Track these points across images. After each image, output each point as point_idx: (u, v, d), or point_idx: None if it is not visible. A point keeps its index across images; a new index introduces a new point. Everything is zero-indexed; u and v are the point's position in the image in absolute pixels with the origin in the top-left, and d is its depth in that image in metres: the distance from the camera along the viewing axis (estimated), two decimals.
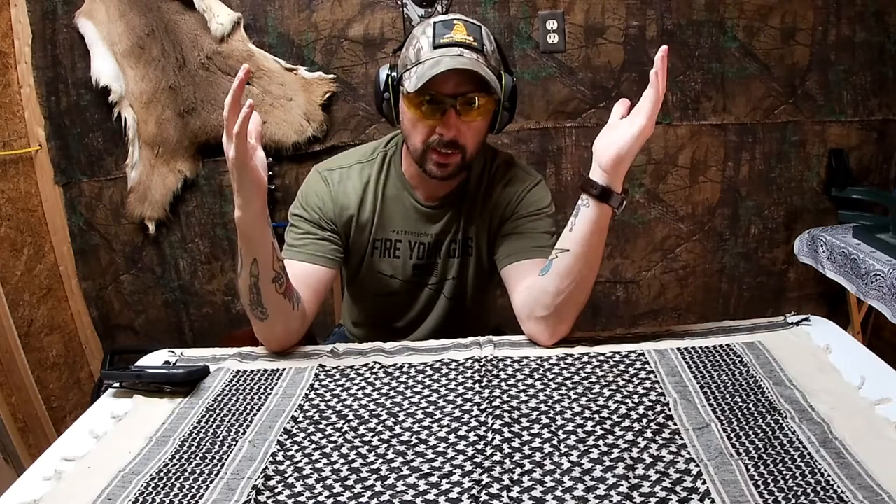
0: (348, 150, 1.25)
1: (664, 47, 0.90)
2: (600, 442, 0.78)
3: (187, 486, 0.75)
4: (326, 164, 1.22)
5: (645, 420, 0.82)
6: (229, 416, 0.90)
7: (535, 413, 0.85)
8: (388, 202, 1.20)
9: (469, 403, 0.89)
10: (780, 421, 0.78)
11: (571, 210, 0.99)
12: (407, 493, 0.72)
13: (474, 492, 0.71)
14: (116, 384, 0.99)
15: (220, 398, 0.95)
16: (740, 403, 0.83)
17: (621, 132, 0.93)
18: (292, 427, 0.86)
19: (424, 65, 1.02)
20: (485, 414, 0.85)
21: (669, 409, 0.83)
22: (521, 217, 1.17)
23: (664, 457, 0.74)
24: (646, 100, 0.92)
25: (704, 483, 0.69)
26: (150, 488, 0.75)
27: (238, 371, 1.03)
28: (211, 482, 0.76)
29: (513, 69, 1.16)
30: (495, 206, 1.19)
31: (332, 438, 0.83)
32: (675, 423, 0.80)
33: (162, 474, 0.77)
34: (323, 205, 1.17)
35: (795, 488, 0.66)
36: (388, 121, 1.14)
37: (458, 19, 1.06)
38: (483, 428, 0.83)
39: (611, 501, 0.68)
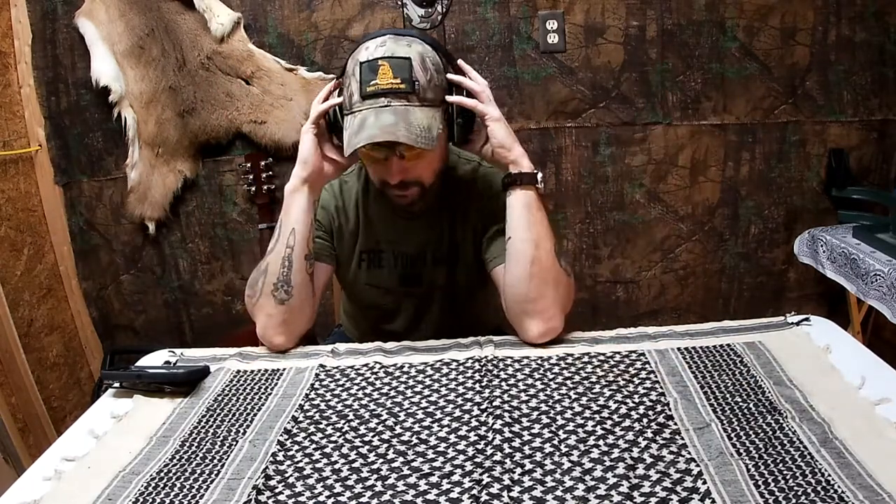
0: None
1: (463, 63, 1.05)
2: (601, 442, 0.78)
3: (187, 486, 0.75)
4: None
5: (645, 420, 0.82)
6: (230, 416, 0.90)
7: (536, 413, 0.85)
8: (371, 214, 1.20)
9: (469, 403, 0.89)
10: (781, 421, 0.78)
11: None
12: (407, 493, 0.72)
13: (475, 492, 0.71)
14: (116, 384, 1.00)
15: (220, 398, 0.95)
16: (741, 403, 0.83)
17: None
18: (293, 427, 0.86)
19: (353, 125, 0.98)
20: (485, 414, 0.85)
21: (670, 409, 0.83)
22: (503, 218, 1.14)
23: (665, 457, 0.74)
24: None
25: (705, 483, 0.69)
26: (150, 488, 0.75)
27: (238, 371, 1.03)
28: (211, 482, 0.76)
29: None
30: (485, 210, 1.16)
31: (333, 438, 0.83)
32: (675, 423, 0.80)
33: (162, 474, 0.77)
34: None
35: (796, 488, 0.66)
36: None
37: (384, 59, 0.96)
38: (483, 428, 0.83)
39: (611, 501, 0.68)
